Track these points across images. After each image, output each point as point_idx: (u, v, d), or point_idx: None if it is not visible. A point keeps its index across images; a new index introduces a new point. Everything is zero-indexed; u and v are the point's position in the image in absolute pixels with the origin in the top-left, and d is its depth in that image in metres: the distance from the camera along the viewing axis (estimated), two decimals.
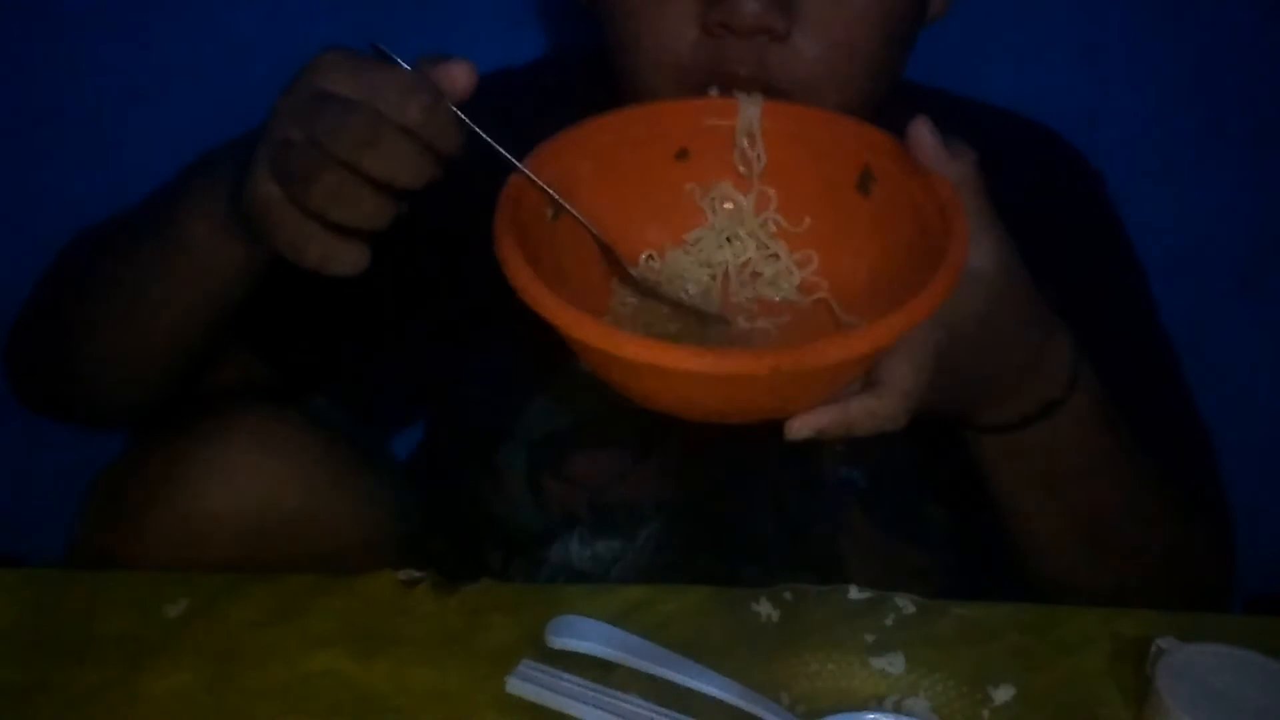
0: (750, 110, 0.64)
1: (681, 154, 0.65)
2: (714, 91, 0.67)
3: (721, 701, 0.59)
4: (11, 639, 0.65)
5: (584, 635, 0.62)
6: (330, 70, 0.56)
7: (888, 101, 0.74)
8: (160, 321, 0.71)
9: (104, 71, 1.02)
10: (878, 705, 0.60)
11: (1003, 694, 0.61)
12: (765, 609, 0.66)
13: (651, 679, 0.60)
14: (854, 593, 0.67)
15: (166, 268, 0.69)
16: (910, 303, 0.52)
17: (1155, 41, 1.00)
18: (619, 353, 0.51)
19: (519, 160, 0.58)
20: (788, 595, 0.67)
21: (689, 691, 0.59)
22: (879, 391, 0.56)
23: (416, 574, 0.70)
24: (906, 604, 0.66)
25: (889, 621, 0.66)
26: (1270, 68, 1.00)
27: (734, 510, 0.83)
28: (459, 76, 0.56)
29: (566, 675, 0.61)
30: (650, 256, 0.65)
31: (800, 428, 0.55)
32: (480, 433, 0.86)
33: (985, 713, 0.60)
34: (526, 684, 0.60)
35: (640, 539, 0.83)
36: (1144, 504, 0.73)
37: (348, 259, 0.57)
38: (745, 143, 0.64)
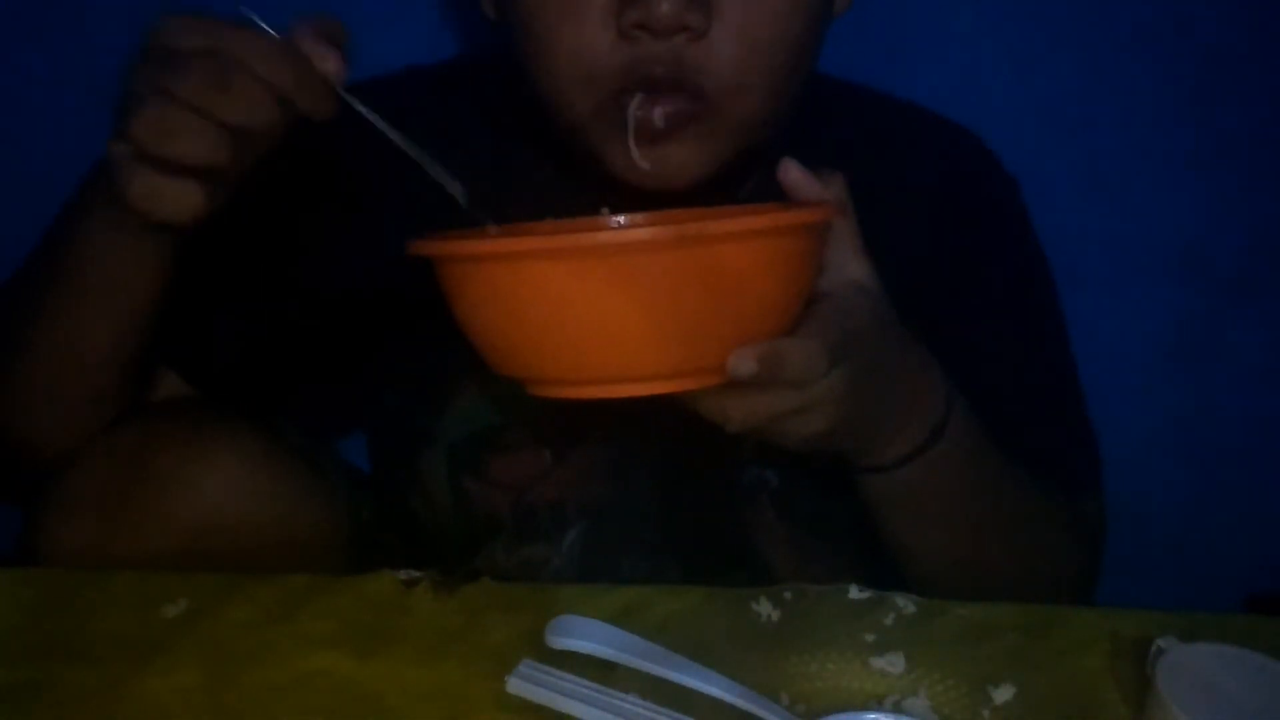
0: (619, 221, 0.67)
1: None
2: (604, 211, 0.68)
3: (721, 701, 0.59)
4: (11, 639, 0.65)
5: (584, 635, 0.62)
6: (184, 30, 0.56)
7: (806, 100, 0.75)
8: (87, 343, 0.70)
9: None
10: (878, 705, 0.60)
11: (1003, 694, 0.61)
12: (765, 609, 0.66)
13: (651, 679, 0.60)
14: (854, 593, 0.67)
15: (81, 285, 0.68)
16: (812, 207, 0.56)
17: (1155, 41, 1.00)
18: (487, 251, 0.51)
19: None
20: (788, 595, 0.67)
21: (689, 691, 0.59)
22: (802, 330, 0.57)
23: (416, 574, 0.70)
24: (906, 604, 0.67)
25: (889, 621, 0.66)
26: (1270, 68, 1.01)
27: (655, 510, 0.84)
28: (330, 60, 0.56)
29: (566, 675, 0.60)
30: None
31: (740, 356, 0.54)
32: (403, 439, 0.86)
33: (985, 713, 0.60)
34: (526, 684, 0.60)
35: (565, 543, 0.84)
36: (1016, 516, 0.76)
37: (182, 199, 0.57)
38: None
